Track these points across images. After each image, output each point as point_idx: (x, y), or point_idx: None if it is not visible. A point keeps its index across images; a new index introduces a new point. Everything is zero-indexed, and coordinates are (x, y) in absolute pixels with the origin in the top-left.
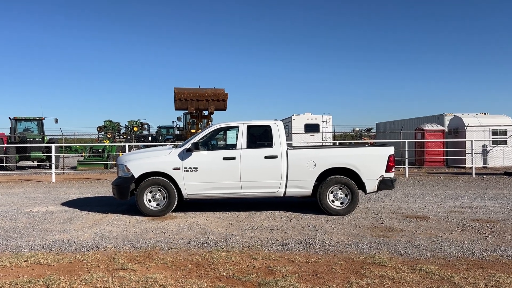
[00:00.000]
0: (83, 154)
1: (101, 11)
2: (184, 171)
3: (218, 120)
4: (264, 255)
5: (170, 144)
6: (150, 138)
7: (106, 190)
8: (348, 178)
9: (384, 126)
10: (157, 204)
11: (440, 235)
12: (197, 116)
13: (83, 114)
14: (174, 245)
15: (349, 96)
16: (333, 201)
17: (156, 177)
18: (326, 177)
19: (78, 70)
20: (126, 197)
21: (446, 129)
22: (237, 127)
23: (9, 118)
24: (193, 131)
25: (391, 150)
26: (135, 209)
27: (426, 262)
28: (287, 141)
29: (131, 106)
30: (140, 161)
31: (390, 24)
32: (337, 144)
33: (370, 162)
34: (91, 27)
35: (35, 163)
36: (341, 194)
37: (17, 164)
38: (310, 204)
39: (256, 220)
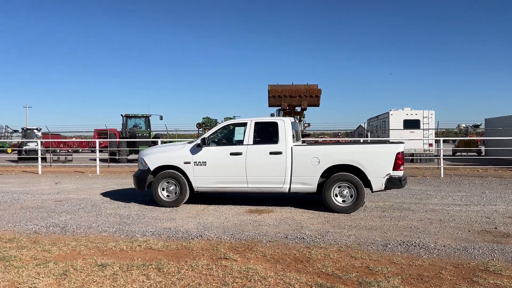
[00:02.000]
0: None
1: (202, 15)
2: (194, 165)
3: (311, 116)
4: (363, 255)
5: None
6: None
7: None
8: (353, 175)
9: (495, 122)
10: (170, 196)
11: None
12: (289, 113)
13: (184, 111)
14: (271, 238)
15: (454, 90)
16: (338, 199)
17: (169, 170)
18: (333, 174)
19: (181, 70)
20: (143, 188)
21: None
22: (246, 123)
23: (121, 115)
24: None
25: (399, 147)
26: (234, 201)
27: None
28: (383, 137)
29: (227, 103)
30: (155, 155)
31: (502, 15)
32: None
33: (376, 160)
34: (194, 29)
35: None
36: (346, 191)
37: (128, 157)
38: (413, 204)
39: (353, 219)
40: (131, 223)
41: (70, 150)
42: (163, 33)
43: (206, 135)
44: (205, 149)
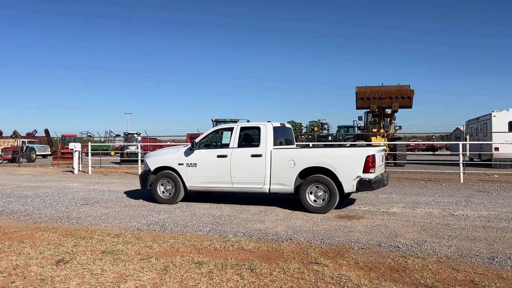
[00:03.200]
0: None
1: (290, 18)
2: (187, 166)
3: (403, 119)
4: (466, 267)
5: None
6: (330, 138)
7: None
8: (326, 177)
9: None
10: (168, 194)
11: None
12: (379, 115)
13: (270, 116)
14: (363, 246)
15: None
16: (314, 200)
17: (166, 171)
18: (308, 176)
19: (267, 75)
20: (146, 186)
21: None
22: (232, 128)
23: (211, 120)
24: (374, 130)
25: (369, 151)
26: None
27: None
28: (484, 141)
29: (312, 106)
30: (155, 158)
31: None
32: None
33: (347, 163)
34: (280, 34)
35: None
36: (320, 193)
37: None
38: None
39: (454, 228)
40: (223, 223)
41: None
42: (251, 40)
43: (198, 139)
44: (196, 152)
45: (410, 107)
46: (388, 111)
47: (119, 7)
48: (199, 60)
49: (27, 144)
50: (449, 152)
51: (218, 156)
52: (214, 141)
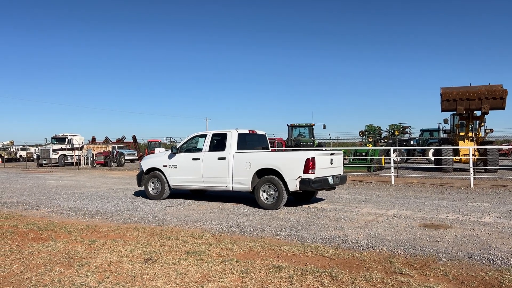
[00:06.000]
0: (346, 157)
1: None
2: (169, 168)
3: (494, 121)
4: None
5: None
6: (412, 142)
7: (372, 192)
8: (275, 177)
9: None
10: (156, 191)
11: None
12: (467, 117)
13: (347, 119)
14: (452, 257)
15: None
16: (266, 198)
17: (155, 171)
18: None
19: (343, 78)
20: (140, 185)
21: None
22: (206, 135)
23: (287, 125)
24: (462, 134)
25: (309, 154)
26: (403, 215)
27: None
28: None
29: (393, 109)
30: (148, 160)
31: None
32: None
33: (290, 164)
34: (352, 36)
35: None
36: (271, 191)
37: None
38: None
39: None
40: (301, 228)
41: None
42: (323, 44)
43: (179, 144)
44: (177, 155)
45: (503, 108)
46: (478, 113)
47: (202, 16)
48: (277, 65)
49: (117, 149)
50: None
51: (193, 159)
52: (192, 146)
